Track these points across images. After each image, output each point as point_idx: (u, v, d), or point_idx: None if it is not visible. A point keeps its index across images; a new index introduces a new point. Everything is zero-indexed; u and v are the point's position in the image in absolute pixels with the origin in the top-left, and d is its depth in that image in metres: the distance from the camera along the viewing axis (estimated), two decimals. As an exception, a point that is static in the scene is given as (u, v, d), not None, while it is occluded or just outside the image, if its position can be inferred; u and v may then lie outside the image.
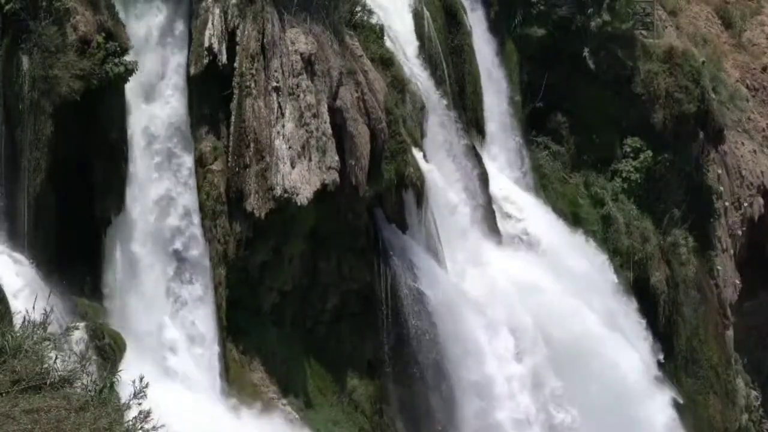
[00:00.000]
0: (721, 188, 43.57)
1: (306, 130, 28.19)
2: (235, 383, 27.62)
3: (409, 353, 31.04)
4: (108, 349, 24.03)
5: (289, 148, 27.84)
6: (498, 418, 31.87)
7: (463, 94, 36.04)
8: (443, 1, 35.70)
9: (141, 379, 12.15)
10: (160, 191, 26.90)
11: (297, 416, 28.38)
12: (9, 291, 22.37)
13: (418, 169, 31.41)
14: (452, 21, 35.96)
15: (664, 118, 41.17)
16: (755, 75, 48.80)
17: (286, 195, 27.52)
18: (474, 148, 35.19)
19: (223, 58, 27.44)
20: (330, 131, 28.57)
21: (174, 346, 26.63)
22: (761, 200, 45.71)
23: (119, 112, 25.53)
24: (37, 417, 11.37)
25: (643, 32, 42.19)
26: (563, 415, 33.53)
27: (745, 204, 45.10)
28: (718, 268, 43.30)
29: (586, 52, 39.85)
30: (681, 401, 38.36)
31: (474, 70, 36.39)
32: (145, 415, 12.03)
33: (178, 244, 27.09)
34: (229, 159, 27.67)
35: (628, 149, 40.79)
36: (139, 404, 12.09)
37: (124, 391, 12.54)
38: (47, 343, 12.77)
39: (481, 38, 37.48)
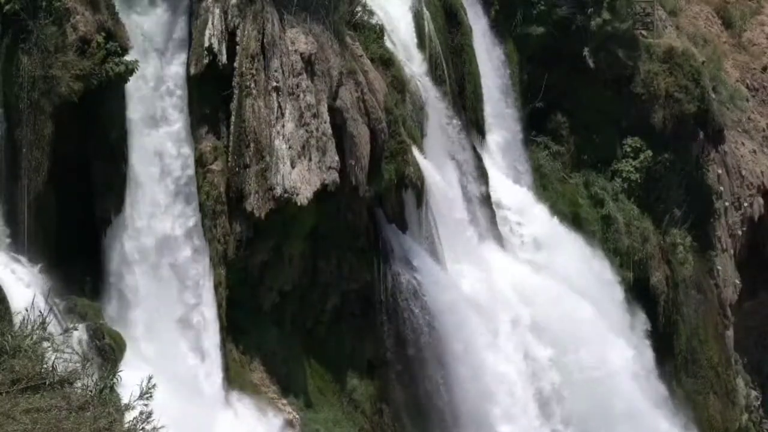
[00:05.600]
0: (721, 188, 43.55)
1: (306, 130, 28.17)
2: (235, 383, 27.60)
3: (409, 353, 31.03)
4: (108, 349, 24.00)
5: (289, 148, 27.82)
6: (496, 415, 31.89)
7: (463, 94, 36.03)
8: (443, 1, 35.68)
9: (149, 379, 12.08)
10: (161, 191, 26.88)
11: (297, 416, 28.37)
12: (9, 291, 22.33)
13: (418, 169, 31.39)
14: (452, 21, 35.95)
15: (664, 118, 41.18)
16: (755, 75, 48.79)
17: (286, 195, 27.50)
18: (474, 148, 35.19)
19: (223, 58, 27.41)
20: (330, 131, 28.55)
21: (173, 345, 26.59)
22: (761, 200, 45.70)
23: (119, 112, 25.49)
24: (36, 417, 11.35)
25: (643, 32, 42.19)
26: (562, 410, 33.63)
27: (745, 204, 45.09)
28: (718, 268, 43.28)
29: (586, 52, 39.85)
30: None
31: (474, 70, 36.37)
32: (147, 416, 11.99)
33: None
34: (229, 159, 27.63)
35: (628, 149, 40.79)
36: (145, 405, 12.04)
37: (124, 391, 12.50)
38: (46, 343, 12.75)
39: (481, 38, 37.47)
